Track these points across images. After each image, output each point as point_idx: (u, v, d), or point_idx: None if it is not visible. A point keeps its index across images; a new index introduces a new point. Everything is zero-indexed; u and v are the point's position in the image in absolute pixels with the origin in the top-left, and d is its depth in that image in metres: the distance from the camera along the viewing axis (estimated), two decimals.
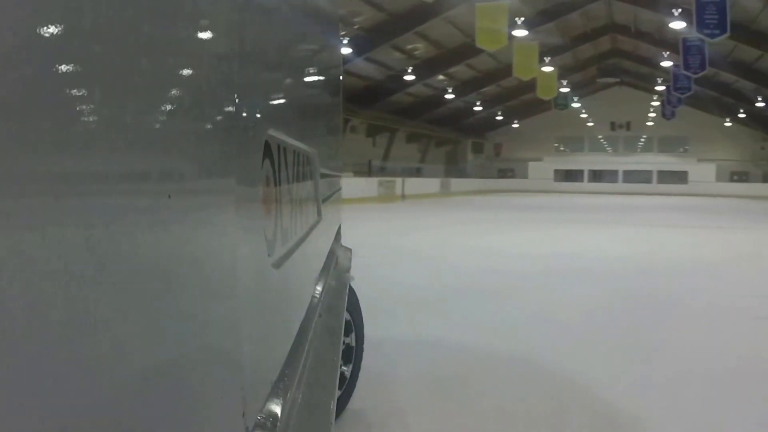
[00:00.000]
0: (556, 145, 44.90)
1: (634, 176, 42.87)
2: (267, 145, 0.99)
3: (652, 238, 11.21)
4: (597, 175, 42.21)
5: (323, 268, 2.16)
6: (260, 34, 0.98)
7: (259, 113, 0.96)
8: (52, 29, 0.34)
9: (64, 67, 0.36)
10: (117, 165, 0.43)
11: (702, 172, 41.82)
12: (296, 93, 1.51)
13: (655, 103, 38.33)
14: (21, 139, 0.32)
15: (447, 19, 21.27)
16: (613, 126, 43.44)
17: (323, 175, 2.42)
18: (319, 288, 1.86)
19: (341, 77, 3.70)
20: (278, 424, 0.85)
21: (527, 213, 18.36)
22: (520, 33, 20.72)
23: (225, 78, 0.73)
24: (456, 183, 34.31)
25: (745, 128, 41.35)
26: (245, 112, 0.84)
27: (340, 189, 3.60)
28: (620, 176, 43.06)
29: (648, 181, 42.76)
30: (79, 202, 0.38)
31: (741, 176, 42.88)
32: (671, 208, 22.70)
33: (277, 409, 0.89)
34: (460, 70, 28.66)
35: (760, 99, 31.15)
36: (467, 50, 23.99)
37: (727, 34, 18.99)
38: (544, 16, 22.27)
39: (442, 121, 37.09)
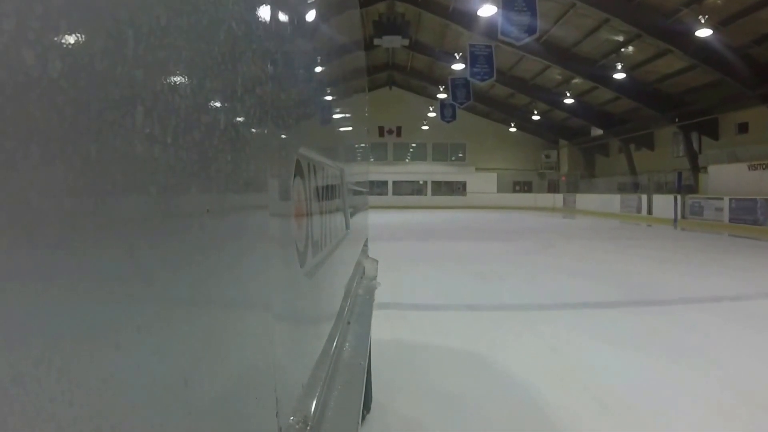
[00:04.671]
0: None
1: (404, 187, 37.96)
2: (298, 164, 1.05)
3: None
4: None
5: (351, 277, 2.23)
6: (290, 60, 1.05)
7: (290, 133, 1.02)
8: (96, 59, 0.38)
9: (107, 94, 0.39)
10: (162, 182, 0.47)
11: (482, 182, 37.14)
12: (325, 113, 1.58)
13: (442, 95, 31.37)
14: (62, 155, 0.34)
15: None
16: (381, 131, 38.04)
17: (351, 191, 2.49)
18: (347, 296, 1.92)
19: (366, 95, 3.77)
20: (309, 422, 0.90)
21: None
22: None
23: (259, 101, 0.78)
24: None
25: (529, 135, 36.53)
26: (277, 133, 0.91)
27: (367, 204, 3.66)
28: (390, 187, 37.64)
29: (421, 192, 37.93)
30: (125, 216, 0.42)
31: (524, 186, 38.18)
32: (485, 232, 15.51)
33: (308, 409, 0.94)
34: None
35: (568, 94, 26.97)
36: None
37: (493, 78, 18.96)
38: None
39: None
